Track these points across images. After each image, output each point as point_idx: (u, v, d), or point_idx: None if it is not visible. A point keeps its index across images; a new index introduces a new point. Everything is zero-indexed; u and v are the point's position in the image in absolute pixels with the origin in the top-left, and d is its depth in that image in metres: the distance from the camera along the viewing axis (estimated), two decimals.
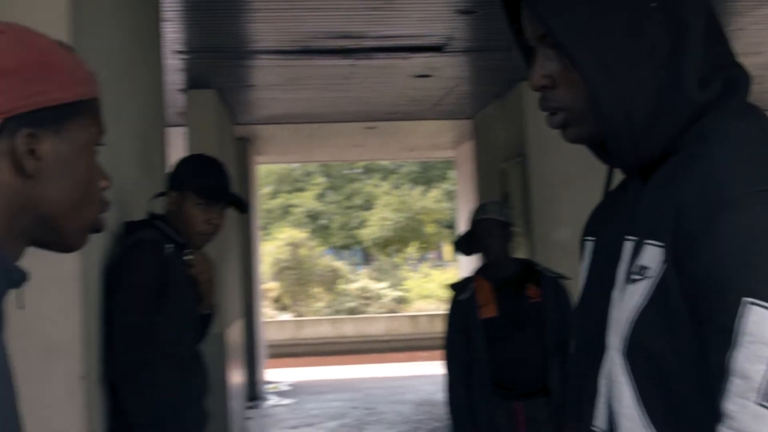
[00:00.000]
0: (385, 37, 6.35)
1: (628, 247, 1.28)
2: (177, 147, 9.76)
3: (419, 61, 6.99)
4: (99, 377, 2.95)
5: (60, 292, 2.81)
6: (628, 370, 1.24)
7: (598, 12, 1.25)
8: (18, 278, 1.20)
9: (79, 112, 1.23)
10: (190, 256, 3.24)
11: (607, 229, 1.37)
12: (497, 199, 7.61)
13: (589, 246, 1.42)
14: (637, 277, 1.23)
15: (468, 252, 4.27)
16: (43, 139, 1.18)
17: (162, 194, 3.29)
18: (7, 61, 1.16)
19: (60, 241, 1.25)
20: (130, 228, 3.23)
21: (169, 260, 3.10)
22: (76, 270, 2.81)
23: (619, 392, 1.25)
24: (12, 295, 1.26)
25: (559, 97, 1.30)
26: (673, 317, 1.19)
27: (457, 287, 4.24)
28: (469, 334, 4.07)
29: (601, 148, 1.37)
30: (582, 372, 1.36)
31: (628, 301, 1.24)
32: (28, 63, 1.18)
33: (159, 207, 3.32)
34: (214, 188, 3.23)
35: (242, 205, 3.35)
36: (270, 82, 7.83)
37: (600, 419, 1.29)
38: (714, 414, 1.14)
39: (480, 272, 4.21)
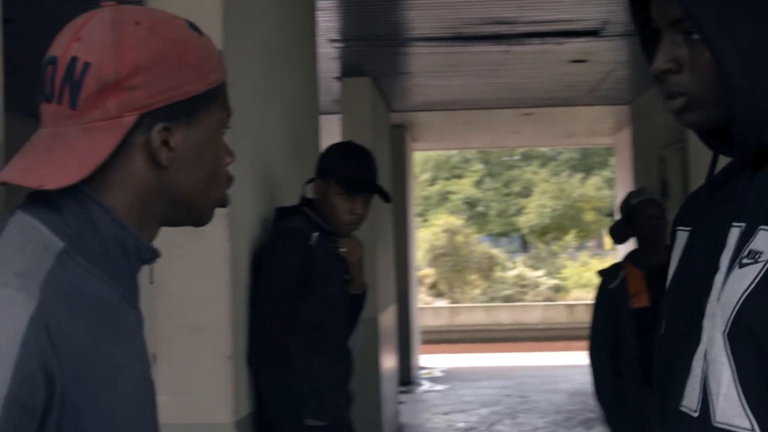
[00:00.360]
0: (538, 22, 6.27)
1: (734, 233, 1.29)
2: (333, 135, 9.95)
3: (574, 46, 6.87)
4: (246, 357, 3.04)
5: (211, 274, 2.90)
6: (729, 352, 1.24)
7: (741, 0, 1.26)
8: (149, 256, 1.27)
9: (209, 101, 1.26)
10: (340, 240, 3.27)
11: (709, 217, 1.37)
12: (653, 186, 7.41)
13: (682, 236, 1.43)
14: (748, 261, 1.24)
15: (622, 239, 4.16)
16: (175, 131, 1.22)
17: (311, 181, 3.33)
18: (143, 55, 1.19)
19: (190, 219, 1.31)
20: (280, 214, 3.31)
21: (315, 248, 3.15)
22: (226, 253, 2.89)
23: (717, 373, 1.25)
24: (145, 270, 1.34)
25: (682, 81, 1.30)
26: None
27: (606, 274, 4.15)
28: (618, 324, 3.98)
29: (710, 135, 1.37)
30: (672, 352, 1.36)
31: (736, 285, 1.24)
32: (163, 57, 1.20)
33: (310, 192, 3.37)
34: (356, 179, 3.20)
35: (386, 196, 3.35)
36: (424, 69, 7.86)
37: (689, 399, 1.30)
38: None
39: (630, 259, 4.10)
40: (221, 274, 2.91)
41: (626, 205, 4.09)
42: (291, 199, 3.42)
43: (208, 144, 1.27)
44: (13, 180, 1.16)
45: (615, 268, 4.14)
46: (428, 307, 20.11)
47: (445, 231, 22.82)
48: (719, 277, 1.28)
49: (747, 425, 1.20)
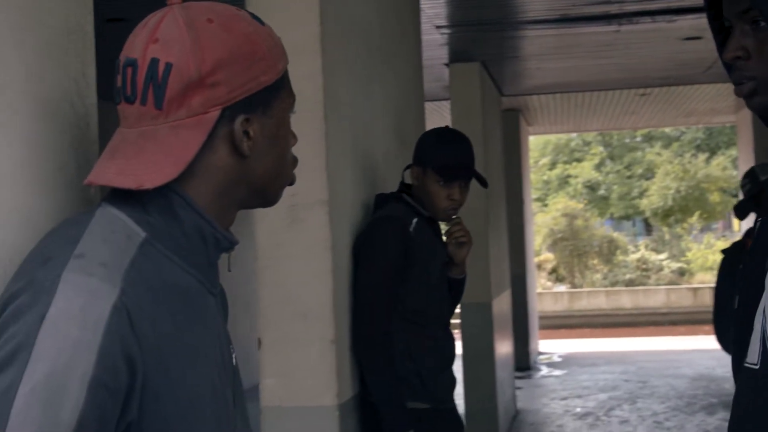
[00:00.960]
0: (647, 0, 6.14)
1: None
2: (443, 121, 9.95)
3: (687, 23, 6.69)
4: (348, 341, 3.10)
5: (313, 261, 2.96)
6: None
7: None
8: (227, 245, 1.33)
9: (279, 89, 1.32)
10: (454, 219, 3.29)
11: None
12: None
13: (764, 225, 1.49)
14: None
15: (745, 215, 4.07)
16: (254, 121, 1.29)
17: (409, 167, 3.36)
18: (221, 52, 1.25)
19: (265, 201, 1.37)
20: (380, 201, 3.35)
21: (414, 234, 3.18)
22: (327, 240, 2.95)
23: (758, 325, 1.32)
24: (224, 258, 1.41)
25: (751, 66, 1.37)
26: None
27: (729, 252, 4.08)
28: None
29: None
30: (743, 321, 1.41)
31: None
32: (238, 52, 1.26)
33: (409, 178, 3.40)
34: (452, 166, 3.20)
35: (483, 181, 3.36)
36: (534, 52, 7.79)
37: (752, 355, 1.35)
38: None
39: (750, 235, 4.00)
40: (322, 260, 2.97)
41: (751, 181, 4.00)
42: (394, 187, 3.45)
43: (280, 129, 1.33)
44: (111, 183, 1.22)
45: (737, 245, 4.07)
46: (547, 293, 19.93)
47: (564, 215, 22.54)
48: None
49: None
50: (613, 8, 6.26)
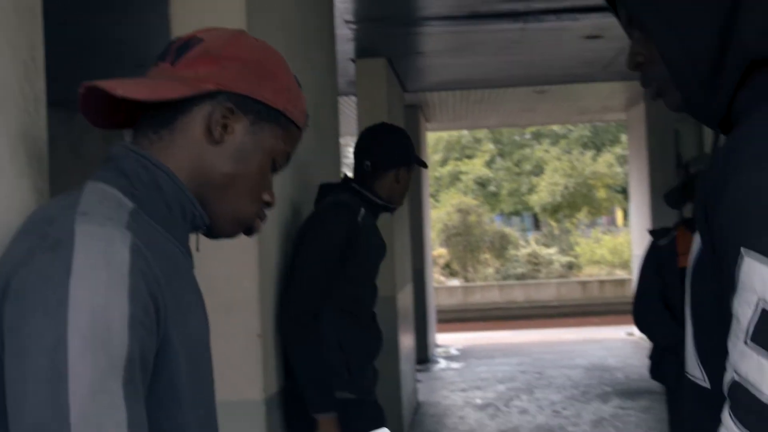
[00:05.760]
0: None
1: None
2: (348, 116, 9.95)
3: (590, 21, 6.86)
4: (274, 335, 3.09)
5: (238, 253, 2.94)
6: (690, 313, 1.40)
7: None
8: (200, 223, 1.36)
9: (278, 122, 1.38)
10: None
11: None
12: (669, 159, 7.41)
13: None
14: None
15: (677, 204, 4.20)
16: (238, 120, 1.35)
17: (371, 167, 3.38)
18: (249, 54, 1.37)
19: (211, 215, 1.37)
20: (325, 190, 3.39)
21: (361, 224, 3.22)
22: None
23: (687, 327, 1.42)
24: (193, 238, 1.40)
25: (650, 70, 1.44)
26: (713, 268, 1.32)
27: (657, 233, 4.21)
28: (665, 281, 4.03)
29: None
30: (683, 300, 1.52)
31: (693, 250, 1.39)
32: (263, 65, 1.37)
33: (350, 172, 3.48)
34: (418, 158, 3.44)
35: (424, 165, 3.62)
36: (439, 48, 7.85)
37: (692, 366, 1.44)
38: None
39: (683, 223, 4.13)
40: (249, 253, 2.94)
41: (684, 173, 4.15)
42: (315, 180, 3.46)
43: (257, 155, 1.38)
44: (95, 84, 1.29)
45: (666, 229, 4.21)
46: (442, 287, 20.16)
47: (458, 211, 22.83)
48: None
49: (699, 376, 1.38)
50: (521, 6, 6.37)
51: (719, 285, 1.30)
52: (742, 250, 1.23)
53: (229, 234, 1.42)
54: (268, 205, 1.43)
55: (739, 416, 1.21)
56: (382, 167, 3.34)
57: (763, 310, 1.21)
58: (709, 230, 1.31)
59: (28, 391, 1.08)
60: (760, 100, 1.34)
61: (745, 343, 1.22)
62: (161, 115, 1.34)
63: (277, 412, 3.13)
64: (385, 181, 3.35)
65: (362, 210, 3.25)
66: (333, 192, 3.35)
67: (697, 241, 1.38)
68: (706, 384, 1.36)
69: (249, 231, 1.43)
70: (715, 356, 1.33)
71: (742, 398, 1.21)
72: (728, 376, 1.24)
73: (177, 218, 1.32)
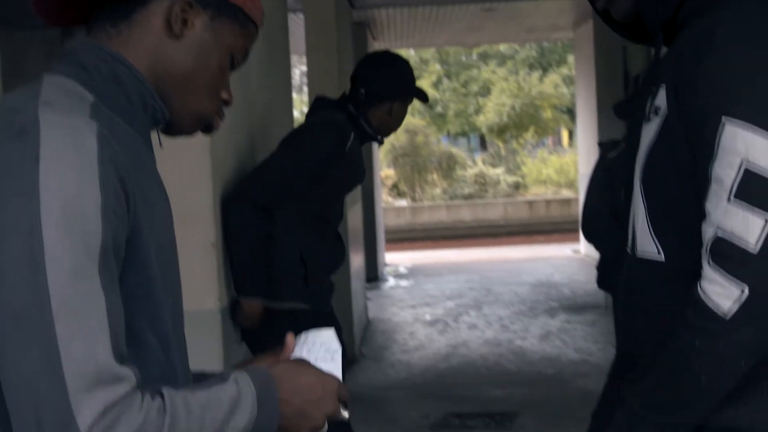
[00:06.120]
0: None
1: (650, 97, 1.54)
2: (295, 34, 9.81)
3: None
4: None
5: (192, 164, 2.93)
6: (643, 194, 1.51)
7: None
8: (160, 117, 1.35)
9: (236, 19, 1.37)
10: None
11: (643, 94, 1.63)
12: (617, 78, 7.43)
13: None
14: (652, 116, 1.50)
15: (627, 115, 4.26)
16: (197, 14, 1.34)
17: (356, 91, 3.36)
18: None
19: (171, 111, 1.36)
20: (321, 103, 3.38)
21: (348, 149, 3.24)
22: (206, 142, 2.93)
23: (636, 212, 1.54)
24: (154, 136, 1.40)
25: None
26: (675, 146, 1.44)
27: (605, 146, 4.27)
28: (614, 190, 4.11)
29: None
30: (627, 209, 1.62)
31: (645, 137, 1.51)
32: None
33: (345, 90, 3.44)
34: (419, 91, 3.41)
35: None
36: None
37: (629, 239, 1.59)
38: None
39: None
40: (201, 163, 2.94)
41: (635, 85, 4.20)
42: (266, 113, 3.43)
43: (215, 50, 1.36)
44: None
45: (615, 142, 4.27)
46: (391, 208, 20.23)
47: (406, 132, 22.80)
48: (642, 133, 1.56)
49: (654, 250, 1.50)
50: None
51: (680, 162, 1.43)
52: (723, 118, 1.35)
53: (188, 131, 1.40)
54: (226, 103, 1.42)
55: (726, 267, 1.33)
56: (376, 98, 3.32)
57: (746, 170, 1.33)
58: (679, 106, 1.42)
59: (7, 277, 1.08)
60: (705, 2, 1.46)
61: (728, 200, 1.34)
62: (119, 8, 1.32)
63: (232, 321, 3.16)
64: (378, 112, 3.34)
65: (352, 135, 3.25)
66: (328, 108, 3.34)
67: (648, 132, 1.49)
68: (661, 257, 1.49)
69: (208, 128, 1.42)
70: (671, 228, 1.47)
71: (726, 251, 1.33)
72: (709, 234, 1.36)
73: (138, 111, 1.31)
